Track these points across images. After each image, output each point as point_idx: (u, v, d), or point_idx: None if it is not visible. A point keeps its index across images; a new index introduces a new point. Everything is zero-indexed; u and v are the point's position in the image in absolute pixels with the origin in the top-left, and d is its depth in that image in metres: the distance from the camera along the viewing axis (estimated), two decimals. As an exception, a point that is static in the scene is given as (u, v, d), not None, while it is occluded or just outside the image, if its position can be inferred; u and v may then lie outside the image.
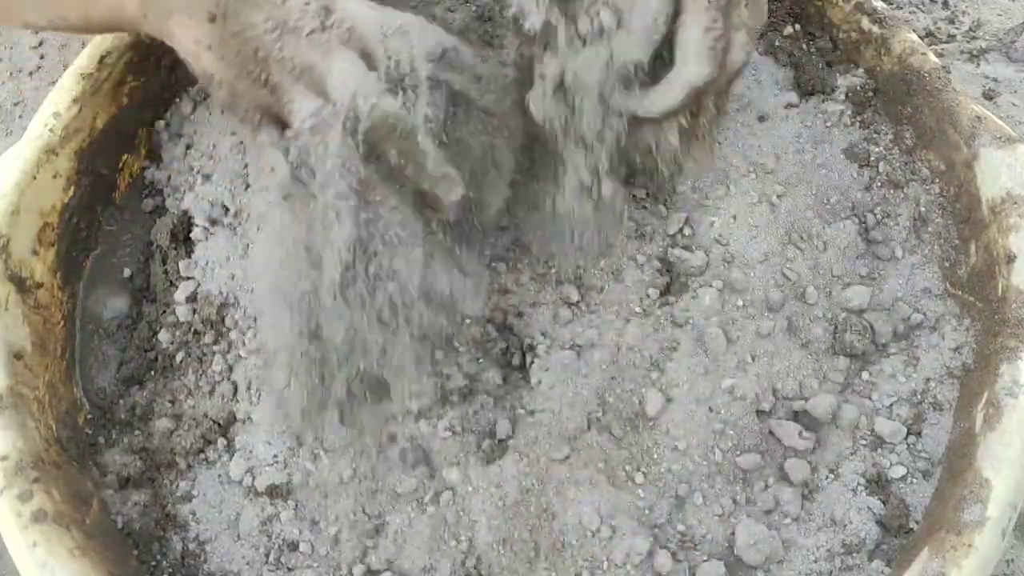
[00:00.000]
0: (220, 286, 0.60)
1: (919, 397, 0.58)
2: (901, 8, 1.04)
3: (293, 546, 0.54)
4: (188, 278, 0.62)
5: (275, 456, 0.56)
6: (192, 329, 0.61)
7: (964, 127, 0.62)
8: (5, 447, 0.51)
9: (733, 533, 0.54)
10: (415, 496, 0.54)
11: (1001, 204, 0.58)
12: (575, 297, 0.60)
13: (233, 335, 0.59)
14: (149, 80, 0.68)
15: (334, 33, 0.49)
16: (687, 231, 0.63)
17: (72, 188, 0.63)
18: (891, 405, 0.58)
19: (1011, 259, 0.56)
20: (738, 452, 0.56)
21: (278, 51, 0.49)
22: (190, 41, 0.51)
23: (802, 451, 0.57)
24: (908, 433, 0.57)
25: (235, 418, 0.58)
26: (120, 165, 0.67)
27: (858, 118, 0.69)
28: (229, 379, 0.59)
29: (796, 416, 0.58)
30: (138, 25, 0.54)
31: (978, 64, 0.99)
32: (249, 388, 0.58)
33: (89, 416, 0.59)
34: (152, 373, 0.61)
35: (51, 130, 0.61)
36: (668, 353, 0.58)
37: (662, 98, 0.54)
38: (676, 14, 0.54)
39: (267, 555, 0.55)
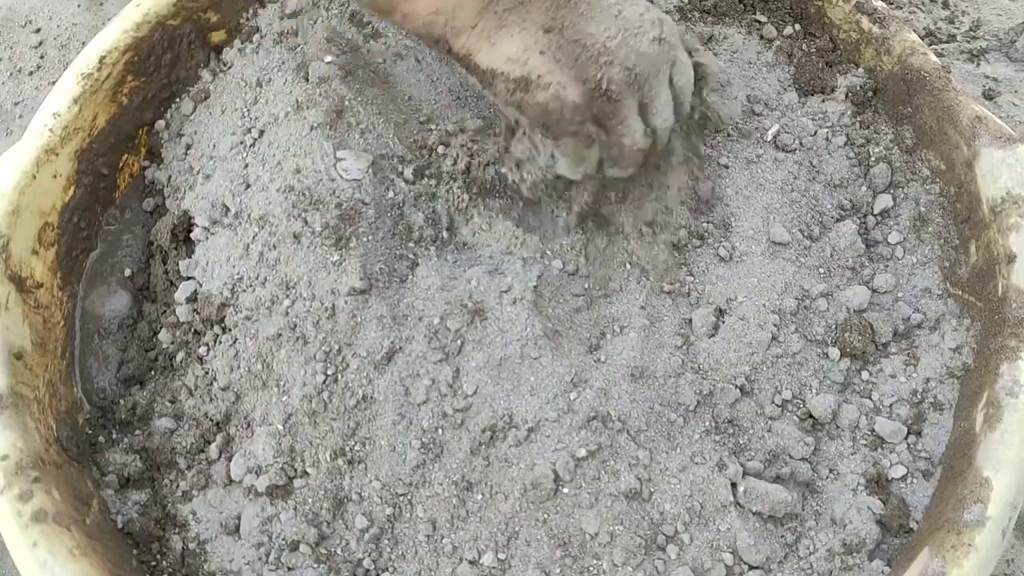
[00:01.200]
0: (220, 286, 0.60)
1: (919, 397, 0.58)
2: (901, 8, 1.04)
3: (293, 546, 0.54)
4: (188, 278, 0.62)
5: (275, 456, 0.56)
6: (192, 329, 0.61)
7: (964, 127, 0.62)
8: (5, 447, 0.51)
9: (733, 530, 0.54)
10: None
11: (1001, 204, 0.58)
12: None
13: (233, 334, 0.59)
14: (149, 80, 0.68)
15: (665, 46, 0.55)
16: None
17: (72, 188, 0.63)
18: (891, 405, 0.58)
19: (1011, 259, 0.56)
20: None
21: (624, 55, 0.53)
22: (519, 47, 0.53)
23: (802, 451, 0.57)
24: (908, 433, 0.57)
25: (235, 418, 0.58)
26: (120, 165, 0.67)
27: (858, 118, 0.69)
28: (229, 379, 0.58)
29: (797, 416, 0.58)
30: (448, 37, 0.55)
31: (978, 64, 0.99)
32: (249, 388, 0.58)
33: (89, 416, 0.59)
34: (152, 373, 0.61)
35: (51, 130, 0.62)
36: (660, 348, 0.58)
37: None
38: None
39: (267, 555, 0.55)
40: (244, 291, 0.60)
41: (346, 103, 0.63)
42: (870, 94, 0.69)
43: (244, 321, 0.59)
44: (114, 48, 0.65)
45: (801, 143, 0.68)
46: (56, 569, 0.47)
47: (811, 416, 0.58)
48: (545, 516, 0.53)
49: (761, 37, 0.73)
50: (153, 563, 0.55)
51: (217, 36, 0.70)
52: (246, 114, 0.66)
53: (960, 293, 0.61)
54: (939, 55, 0.97)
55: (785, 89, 0.71)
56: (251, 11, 0.71)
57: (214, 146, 0.65)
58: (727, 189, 0.64)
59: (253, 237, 0.60)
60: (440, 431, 0.55)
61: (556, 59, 0.53)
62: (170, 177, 0.67)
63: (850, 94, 0.70)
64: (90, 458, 0.57)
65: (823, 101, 0.70)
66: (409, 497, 0.54)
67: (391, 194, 0.61)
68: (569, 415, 0.55)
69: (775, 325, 0.60)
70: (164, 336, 0.61)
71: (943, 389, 0.58)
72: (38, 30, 1.04)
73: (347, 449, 0.55)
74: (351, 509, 0.55)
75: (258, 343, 0.58)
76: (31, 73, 1.02)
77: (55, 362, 0.59)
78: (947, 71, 0.66)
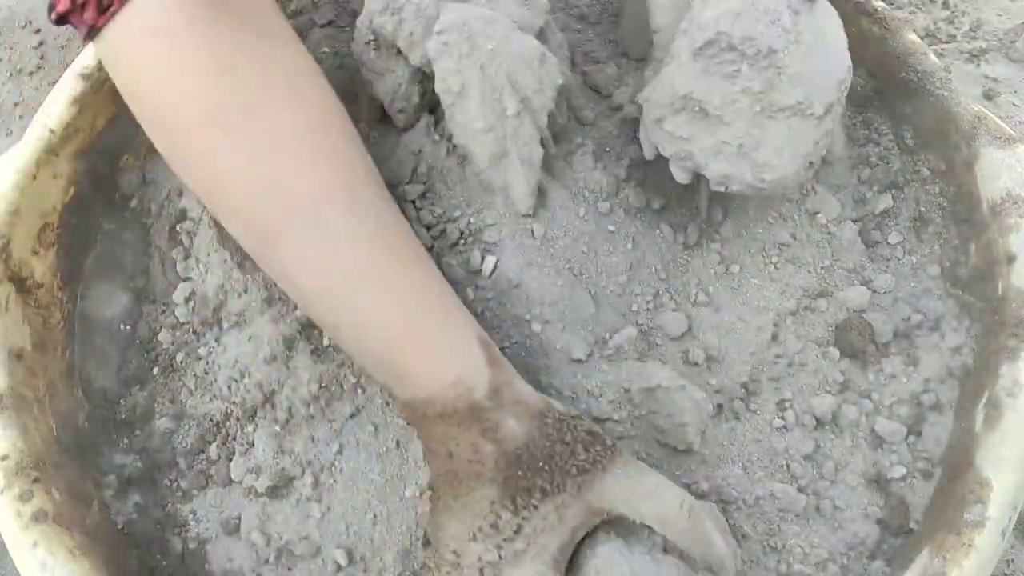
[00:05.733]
0: (216, 286, 0.60)
1: (919, 397, 0.58)
2: (901, 8, 1.04)
3: (293, 545, 0.54)
4: (187, 278, 0.62)
5: (275, 456, 0.56)
6: (192, 329, 0.61)
7: (964, 127, 0.62)
8: (5, 447, 0.51)
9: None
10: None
11: (1001, 204, 0.58)
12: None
13: (232, 335, 0.59)
14: (149, 80, 0.68)
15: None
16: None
17: (72, 188, 0.63)
18: (891, 405, 0.58)
19: (1011, 259, 0.56)
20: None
21: None
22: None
23: (802, 451, 0.57)
24: (908, 433, 0.57)
25: (235, 418, 0.58)
26: (120, 165, 0.67)
27: (858, 118, 0.69)
28: (229, 379, 0.58)
29: (796, 416, 0.58)
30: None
31: (978, 64, 0.99)
32: (249, 388, 0.58)
33: (89, 416, 0.59)
34: (152, 373, 0.61)
35: (51, 130, 0.61)
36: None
37: None
38: None
39: (267, 555, 0.55)
40: (235, 293, 0.59)
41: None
42: (870, 94, 0.69)
43: (240, 322, 0.59)
44: (114, 48, 0.65)
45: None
46: (56, 569, 0.47)
47: (811, 416, 0.58)
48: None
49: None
50: (153, 563, 0.55)
51: (217, 36, 0.70)
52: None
53: (960, 293, 0.61)
54: (939, 55, 0.97)
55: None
56: (251, 11, 0.71)
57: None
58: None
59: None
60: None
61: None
62: (169, 177, 0.67)
63: (850, 94, 0.70)
64: (90, 458, 0.57)
65: (823, 101, 0.70)
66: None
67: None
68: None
69: (775, 325, 0.60)
70: (164, 336, 0.61)
71: (943, 389, 0.58)
72: (38, 31, 1.04)
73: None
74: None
75: (257, 343, 0.58)
76: (31, 73, 1.02)
77: (55, 362, 0.59)
78: (947, 71, 0.66)
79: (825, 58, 0.52)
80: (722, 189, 0.54)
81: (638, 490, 0.45)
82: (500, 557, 0.44)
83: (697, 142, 0.53)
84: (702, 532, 0.46)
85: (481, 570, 0.45)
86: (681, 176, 0.57)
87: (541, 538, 0.44)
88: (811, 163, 0.53)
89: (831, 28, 0.53)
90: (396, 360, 0.48)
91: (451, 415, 0.46)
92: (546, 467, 0.44)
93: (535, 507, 0.44)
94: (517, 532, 0.44)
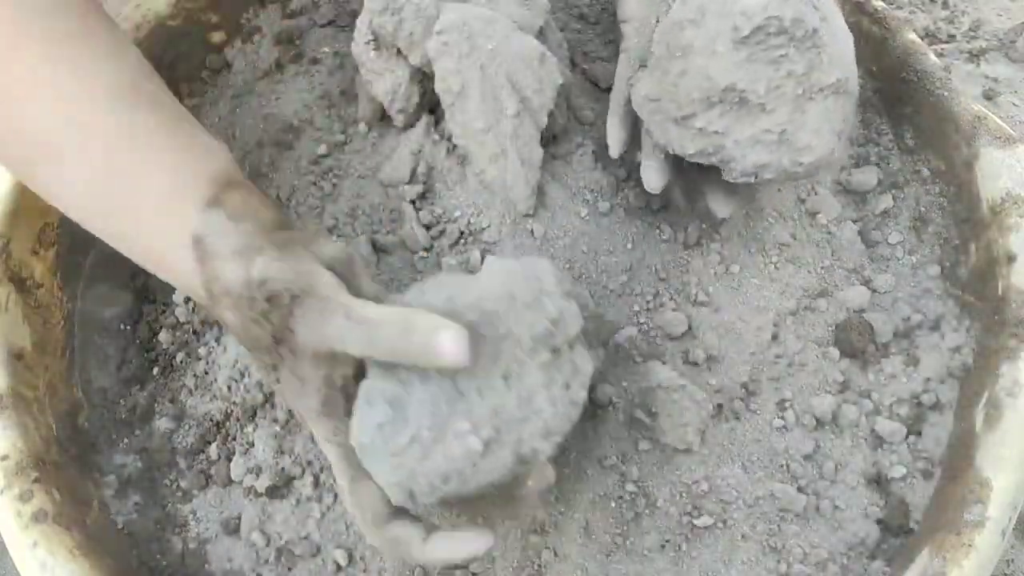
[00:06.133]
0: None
1: (919, 397, 0.58)
2: (901, 8, 1.04)
3: (293, 545, 0.54)
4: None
5: (275, 456, 0.56)
6: (192, 329, 0.61)
7: (964, 127, 0.62)
8: (5, 447, 0.51)
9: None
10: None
11: (1001, 204, 0.58)
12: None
13: (231, 335, 0.59)
14: (149, 80, 0.68)
15: None
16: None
17: (72, 188, 0.63)
18: (891, 405, 0.58)
19: (1011, 259, 0.56)
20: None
21: None
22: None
23: (802, 451, 0.57)
24: (908, 433, 0.57)
25: (235, 418, 0.58)
26: (120, 165, 0.67)
27: (858, 118, 0.69)
28: (229, 379, 0.58)
29: (796, 416, 0.58)
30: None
31: (978, 64, 0.99)
32: (249, 388, 0.58)
33: (89, 416, 0.59)
34: (152, 373, 0.61)
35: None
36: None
37: None
38: None
39: (267, 555, 0.55)
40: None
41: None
42: (870, 94, 0.69)
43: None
44: (114, 48, 0.65)
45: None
46: (56, 569, 0.47)
47: (811, 416, 0.58)
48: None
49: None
50: (153, 563, 0.55)
51: (217, 36, 0.70)
52: (246, 114, 0.66)
53: (960, 293, 0.61)
54: (939, 55, 0.97)
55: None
56: (251, 11, 0.71)
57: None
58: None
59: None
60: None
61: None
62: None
63: (850, 94, 0.70)
64: (90, 458, 0.57)
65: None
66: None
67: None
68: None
69: (775, 325, 0.60)
70: (164, 336, 0.61)
71: (943, 389, 0.58)
72: (38, 30, 1.04)
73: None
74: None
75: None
76: (31, 73, 1.01)
77: (55, 362, 0.59)
78: (947, 71, 0.66)
79: (844, 35, 0.52)
80: (751, 180, 0.52)
81: (327, 331, 0.43)
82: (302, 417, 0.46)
83: (733, 135, 0.51)
84: (409, 340, 0.41)
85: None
86: (655, 181, 0.56)
87: (300, 403, 0.45)
88: (840, 138, 0.52)
89: (833, 5, 0.53)
90: (160, 263, 0.48)
91: (211, 300, 0.46)
92: (264, 349, 0.45)
93: (278, 381, 0.46)
94: (290, 404, 0.47)
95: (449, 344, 0.39)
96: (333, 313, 0.42)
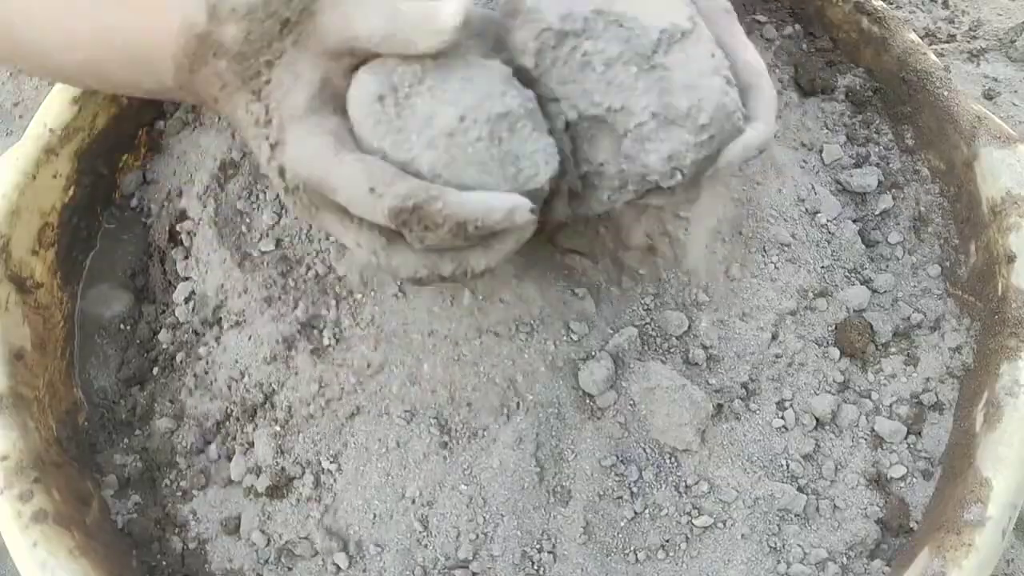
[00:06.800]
0: (216, 286, 0.60)
1: (919, 397, 0.58)
2: (901, 8, 1.04)
3: (293, 545, 0.54)
4: (186, 278, 0.62)
5: (275, 456, 0.56)
6: (192, 329, 0.61)
7: (964, 127, 0.62)
8: (5, 447, 0.51)
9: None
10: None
11: (1001, 204, 0.58)
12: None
13: (232, 335, 0.59)
14: (149, 80, 0.68)
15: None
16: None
17: (72, 188, 0.63)
18: (891, 405, 0.58)
19: (1011, 259, 0.56)
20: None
21: None
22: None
23: (802, 451, 0.57)
24: (908, 433, 0.58)
25: (235, 418, 0.58)
26: (120, 165, 0.67)
27: (858, 118, 0.69)
28: (229, 379, 0.58)
29: (796, 416, 0.58)
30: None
31: (978, 64, 0.99)
32: (249, 388, 0.58)
33: (89, 416, 0.59)
34: (152, 373, 0.61)
35: (51, 130, 0.61)
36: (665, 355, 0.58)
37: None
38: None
39: (267, 555, 0.55)
40: (235, 293, 0.59)
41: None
42: (870, 94, 0.69)
43: (240, 322, 0.59)
44: (114, 48, 0.65)
45: (801, 143, 0.68)
46: (56, 569, 0.47)
47: (811, 416, 0.58)
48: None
49: (761, 37, 0.73)
50: (153, 563, 0.55)
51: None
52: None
53: (960, 293, 0.61)
54: (939, 55, 0.97)
55: (785, 89, 0.71)
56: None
57: (213, 146, 0.65)
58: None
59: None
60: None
61: None
62: (168, 177, 0.67)
63: (850, 94, 0.70)
64: (90, 458, 0.57)
65: (823, 101, 0.70)
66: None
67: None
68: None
69: (775, 325, 0.60)
70: (164, 336, 0.61)
71: (943, 389, 0.59)
72: (38, 30, 1.04)
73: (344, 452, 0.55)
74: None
75: (257, 343, 0.58)
76: (31, 73, 1.01)
77: (55, 362, 0.59)
78: (947, 71, 0.66)
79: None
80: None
81: (355, 14, 0.44)
82: (270, 145, 0.45)
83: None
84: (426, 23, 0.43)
85: (269, 163, 0.45)
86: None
87: (286, 105, 0.45)
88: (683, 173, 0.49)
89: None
90: (135, 56, 0.48)
91: (196, 64, 0.46)
92: (266, 43, 0.44)
93: (268, 82, 0.45)
94: (268, 112, 0.45)
95: (451, 7, 0.42)
96: (366, 3, 0.43)
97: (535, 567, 0.53)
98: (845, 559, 0.54)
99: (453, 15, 0.42)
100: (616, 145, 0.47)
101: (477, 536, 0.53)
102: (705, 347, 0.59)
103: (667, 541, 0.54)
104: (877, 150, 0.67)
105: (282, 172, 0.45)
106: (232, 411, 0.58)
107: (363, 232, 0.45)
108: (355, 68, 0.45)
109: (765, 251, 0.62)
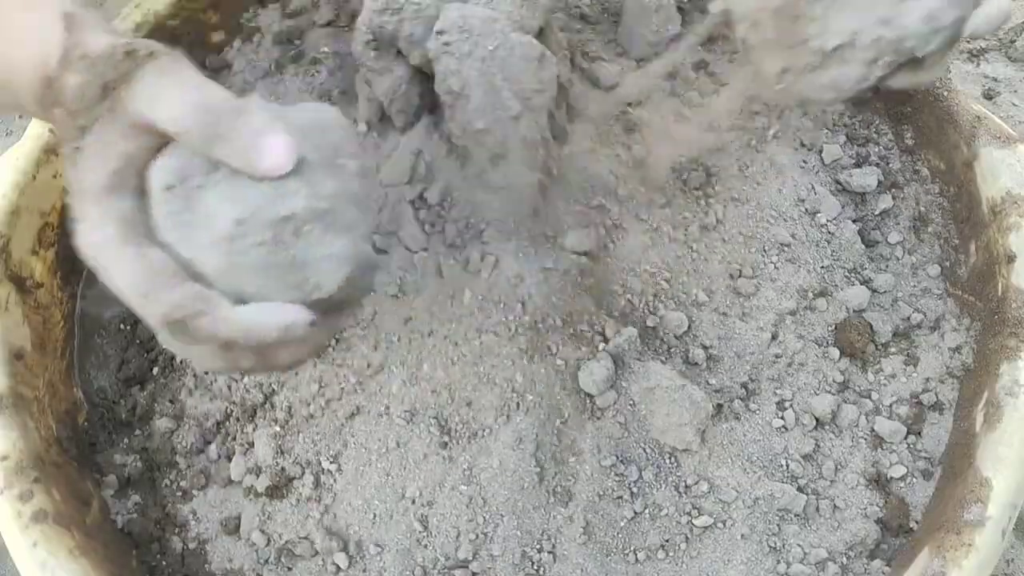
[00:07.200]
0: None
1: (919, 397, 0.58)
2: (901, 8, 1.04)
3: (293, 546, 0.54)
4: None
5: (275, 456, 0.56)
6: (192, 329, 0.61)
7: (964, 127, 0.62)
8: (5, 447, 0.51)
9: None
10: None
11: (1001, 204, 0.58)
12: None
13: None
14: (149, 80, 0.68)
15: None
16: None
17: (72, 188, 0.63)
18: (891, 405, 0.58)
19: (1011, 259, 0.56)
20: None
21: None
22: None
23: (802, 451, 0.57)
24: (908, 433, 0.58)
25: (235, 418, 0.58)
26: (120, 165, 0.67)
27: (858, 118, 0.69)
28: (229, 379, 0.58)
29: (796, 416, 0.58)
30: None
31: (978, 64, 0.99)
32: (249, 388, 0.58)
33: (89, 416, 0.59)
34: (152, 373, 0.61)
35: (51, 130, 0.61)
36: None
37: None
38: None
39: (267, 555, 0.55)
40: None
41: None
42: (870, 94, 0.69)
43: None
44: (114, 48, 0.65)
45: (801, 143, 0.68)
46: (56, 569, 0.47)
47: (811, 416, 0.58)
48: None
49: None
50: (153, 563, 0.55)
51: (217, 36, 0.70)
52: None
53: (960, 293, 0.61)
54: (939, 55, 0.97)
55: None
56: (251, 11, 0.71)
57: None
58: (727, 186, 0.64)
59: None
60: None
61: None
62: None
63: (850, 94, 0.70)
64: (90, 458, 0.57)
65: (823, 101, 0.70)
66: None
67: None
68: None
69: (775, 325, 0.60)
70: (164, 336, 0.61)
71: (943, 389, 0.58)
72: (38, 30, 1.04)
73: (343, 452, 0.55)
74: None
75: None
76: (31, 73, 1.01)
77: (55, 362, 0.59)
78: (947, 71, 0.66)
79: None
80: None
81: (161, 95, 0.41)
82: (73, 220, 0.42)
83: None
84: (235, 135, 0.40)
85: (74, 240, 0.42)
86: None
87: (87, 179, 0.42)
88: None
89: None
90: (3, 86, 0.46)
91: (41, 98, 0.44)
92: (88, 104, 0.42)
93: (79, 149, 0.43)
94: (74, 183, 0.42)
95: (279, 148, 0.40)
96: (181, 82, 0.41)
97: (535, 567, 0.53)
98: (845, 559, 0.54)
99: (281, 158, 0.40)
100: (872, 6, 0.44)
101: (477, 536, 0.53)
102: (705, 347, 0.59)
103: (667, 541, 0.54)
104: (877, 150, 0.67)
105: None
106: (232, 411, 0.58)
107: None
108: (160, 148, 0.42)
109: (765, 251, 0.62)
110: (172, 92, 0.41)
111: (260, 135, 0.40)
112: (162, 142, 0.42)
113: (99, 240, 0.41)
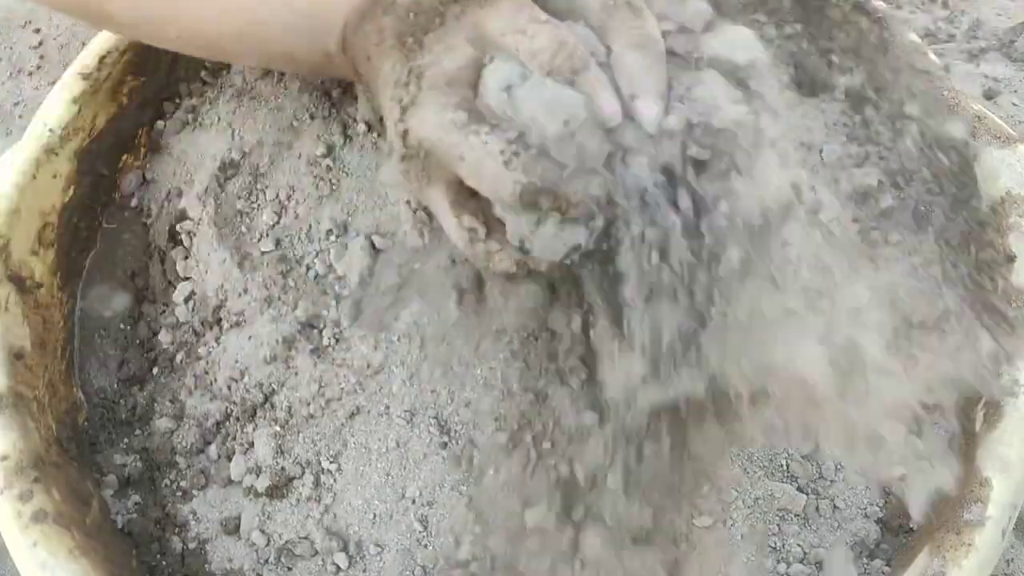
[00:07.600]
0: (216, 286, 0.60)
1: (919, 397, 0.58)
2: (901, 8, 1.04)
3: (293, 545, 0.54)
4: (187, 278, 0.62)
5: (275, 456, 0.56)
6: (192, 329, 0.61)
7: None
8: (5, 447, 0.51)
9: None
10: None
11: (1001, 204, 0.58)
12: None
13: (232, 335, 0.59)
14: (149, 80, 0.68)
15: None
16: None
17: (72, 188, 0.63)
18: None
19: (1011, 259, 0.56)
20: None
21: None
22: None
23: (802, 451, 0.57)
24: (908, 433, 0.57)
25: (235, 418, 0.58)
26: (120, 165, 0.67)
27: (858, 118, 0.69)
28: (229, 379, 0.59)
29: (796, 416, 0.58)
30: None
31: (978, 64, 0.99)
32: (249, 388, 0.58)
33: (89, 416, 0.59)
34: (152, 373, 0.61)
35: (51, 130, 0.62)
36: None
37: None
38: None
39: (267, 555, 0.55)
40: (235, 293, 0.60)
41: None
42: (870, 94, 0.69)
43: (240, 322, 0.59)
44: (114, 48, 0.65)
45: (801, 143, 0.68)
46: (56, 569, 0.47)
47: (811, 416, 0.58)
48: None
49: (761, 37, 0.73)
50: (153, 563, 0.55)
51: (217, 36, 0.70)
52: (246, 114, 0.66)
53: (960, 293, 0.61)
54: (939, 55, 0.97)
55: (785, 89, 0.71)
56: (251, 11, 0.71)
57: (212, 146, 0.65)
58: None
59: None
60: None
61: None
62: (169, 176, 0.67)
63: (850, 94, 0.70)
64: (90, 458, 0.57)
65: (823, 101, 0.70)
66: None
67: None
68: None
69: (775, 325, 0.60)
70: (164, 336, 0.61)
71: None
72: (38, 30, 1.04)
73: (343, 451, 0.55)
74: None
75: (257, 343, 0.58)
76: (31, 73, 1.02)
77: (55, 362, 0.59)
78: (947, 71, 0.66)
79: None
80: None
81: (516, 24, 0.45)
82: (402, 107, 0.45)
83: None
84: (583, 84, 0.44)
85: (396, 125, 0.45)
86: None
87: (430, 71, 0.45)
88: None
89: None
90: (306, 13, 0.50)
91: (364, 20, 0.47)
92: (431, 12, 0.46)
93: (420, 45, 0.46)
94: (410, 74, 0.45)
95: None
96: (534, 17, 0.44)
97: (535, 567, 0.53)
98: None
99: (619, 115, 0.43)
100: None
101: (477, 536, 0.53)
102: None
103: (667, 541, 0.54)
104: (877, 150, 0.67)
105: (405, 135, 0.45)
106: (232, 411, 0.58)
107: (464, 216, 0.45)
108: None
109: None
110: (532, 27, 0.44)
111: (606, 88, 0.43)
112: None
113: (447, 119, 0.44)
